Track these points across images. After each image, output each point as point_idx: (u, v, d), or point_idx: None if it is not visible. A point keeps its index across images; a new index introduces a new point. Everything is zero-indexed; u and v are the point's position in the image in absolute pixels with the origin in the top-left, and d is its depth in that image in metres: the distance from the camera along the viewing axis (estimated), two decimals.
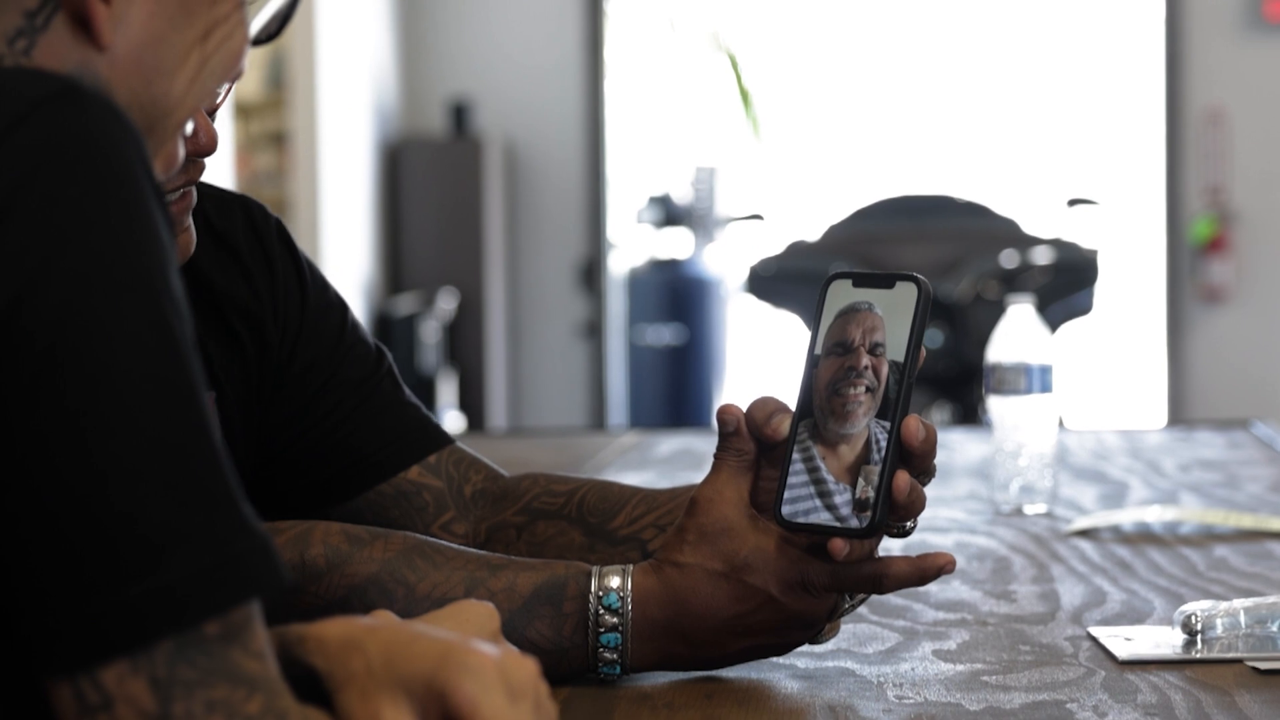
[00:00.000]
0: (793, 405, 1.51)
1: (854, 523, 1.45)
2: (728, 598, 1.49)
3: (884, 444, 1.45)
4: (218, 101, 1.56)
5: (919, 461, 1.47)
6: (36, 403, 0.93)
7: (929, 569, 1.51)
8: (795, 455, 1.48)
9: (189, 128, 1.50)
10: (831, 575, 1.49)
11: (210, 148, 1.53)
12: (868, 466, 1.46)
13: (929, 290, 1.48)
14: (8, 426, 0.93)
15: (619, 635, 1.49)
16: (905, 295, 1.49)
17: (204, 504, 0.96)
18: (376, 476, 1.77)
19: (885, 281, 1.50)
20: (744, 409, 1.53)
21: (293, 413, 1.76)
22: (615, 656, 1.49)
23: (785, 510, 1.47)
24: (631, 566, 1.51)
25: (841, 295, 1.51)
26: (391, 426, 1.79)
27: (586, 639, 1.49)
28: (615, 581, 1.50)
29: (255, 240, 1.75)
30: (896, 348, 1.47)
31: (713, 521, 1.50)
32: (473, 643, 1.07)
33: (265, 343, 1.74)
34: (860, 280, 1.51)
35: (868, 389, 1.47)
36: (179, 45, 1.09)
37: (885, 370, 1.47)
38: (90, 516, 0.93)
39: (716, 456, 1.53)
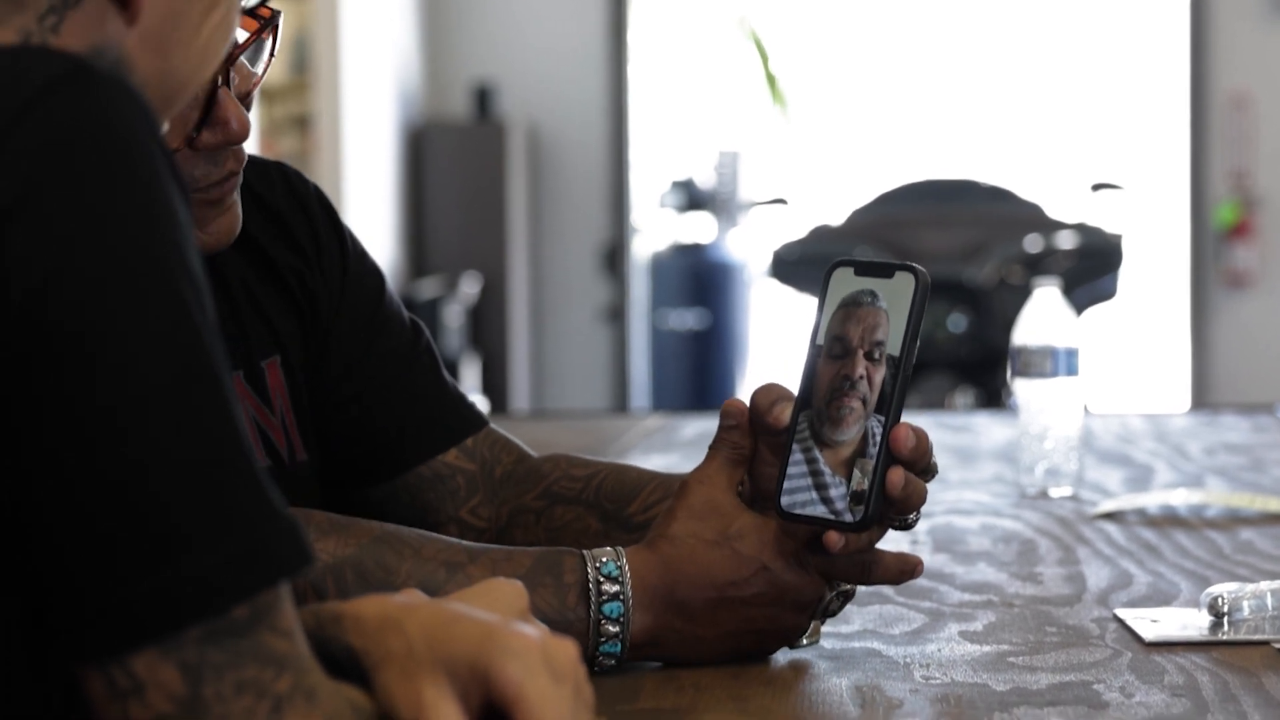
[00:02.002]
0: (796, 393, 1.50)
1: (849, 516, 1.45)
2: (721, 564, 1.50)
3: (878, 438, 1.46)
4: (250, 86, 1.56)
5: (913, 465, 1.47)
6: (62, 393, 0.93)
7: (908, 568, 1.53)
8: (795, 446, 1.48)
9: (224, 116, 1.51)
10: (823, 557, 1.49)
11: (243, 134, 1.53)
12: (863, 460, 1.46)
13: (927, 281, 1.48)
14: (35, 416, 0.93)
15: (621, 604, 1.48)
16: (903, 286, 1.48)
17: (230, 488, 0.96)
18: (415, 459, 1.77)
19: (885, 271, 1.50)
20: (748, 401, 1.53)
21: (332, 385, 1.75)
22: (617, 630, 1.48)
23: (784, 500, 1.47)
24: (622, 547, 1.52)
25: (844, 284, 1.50)
26: (431, 406, 1.78)
27: (589, 611, 1.48)
28: (609, 555, 1.50)
29: (297, 205, 1.74)
30: (893, 341, 1.47)
31: (701, 502, 1.51)
32: (514, 624, 1.07)
33: (316, 307, 1.74)
34: (862, 269, 1.50)
35: (862, 398, 1.47)
36: (194, 16, 1.09)
37: (881, 375, 1.47)
38: (117, 505, 0.93)
39: (711, 447, 1.54)
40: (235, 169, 1.56)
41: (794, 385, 1.51)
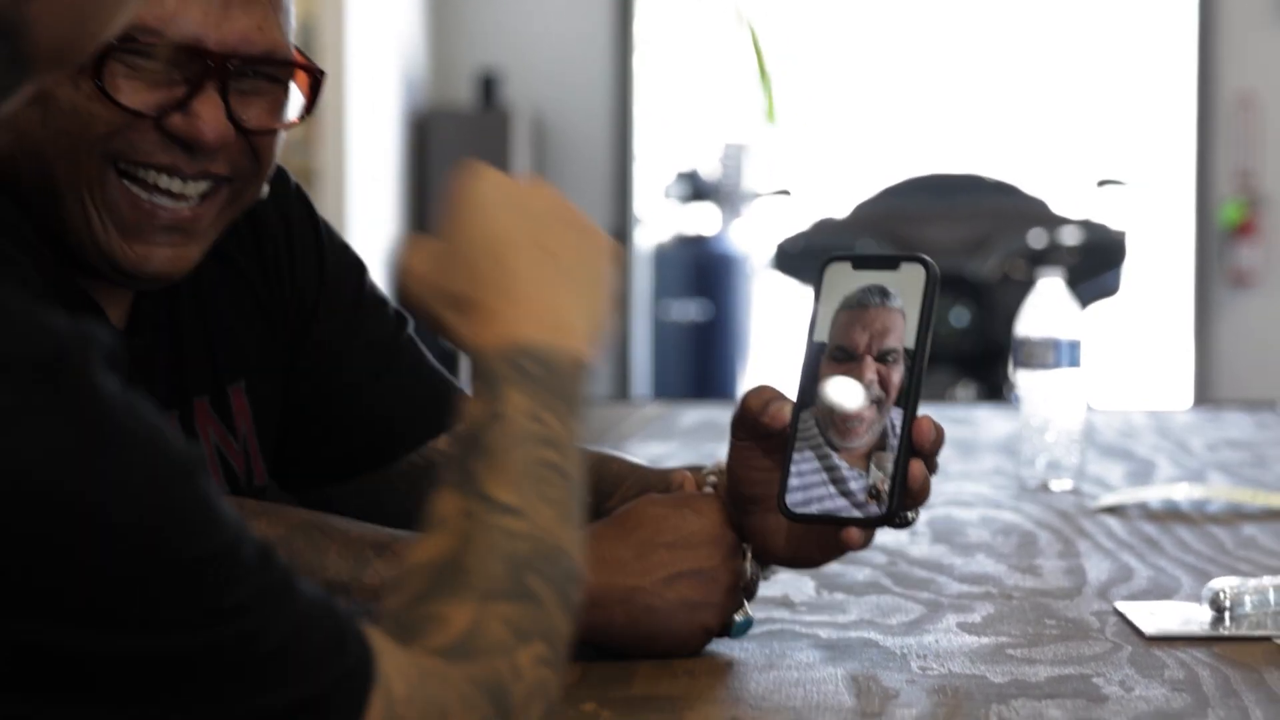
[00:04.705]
0: (791, 393, 1.47)
1: (872, 510, 1.42)
2: (635, 512, 1.51)
3: (898, 431, 1.43)
4: (260, 123, 1.54)
5: (929, 459, 1.46)
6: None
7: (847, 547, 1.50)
8: (800, 445, 1.45)
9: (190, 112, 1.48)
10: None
11: (209, 142, 1.50)
12: (881, 453, 1.43)
13: (937, 272, 1.44)
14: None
15: None
16: (912, 277, 1.44)
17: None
18: (407, 445, 1.76)
19: (889, 263, 1.45)
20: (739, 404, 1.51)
21: (317, 380, 1.74)
22: None
23: (792, 499, 1.44)
24: None
25: (844, 280, 1.46)
26: (418, 394, 1.77)
27: None
28: None
29: (274, 203, 1.73)
30: (906, 334, 1.44)
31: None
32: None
33: (287, 316, 1.73)
34: (861, 263, 1.46)
35: (873, 402, 1.44)
36: None
37: (896, 373, 1.44)
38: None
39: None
40: (178, 166, 1.51)
41: (792, 383, 1.48)
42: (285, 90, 1.56)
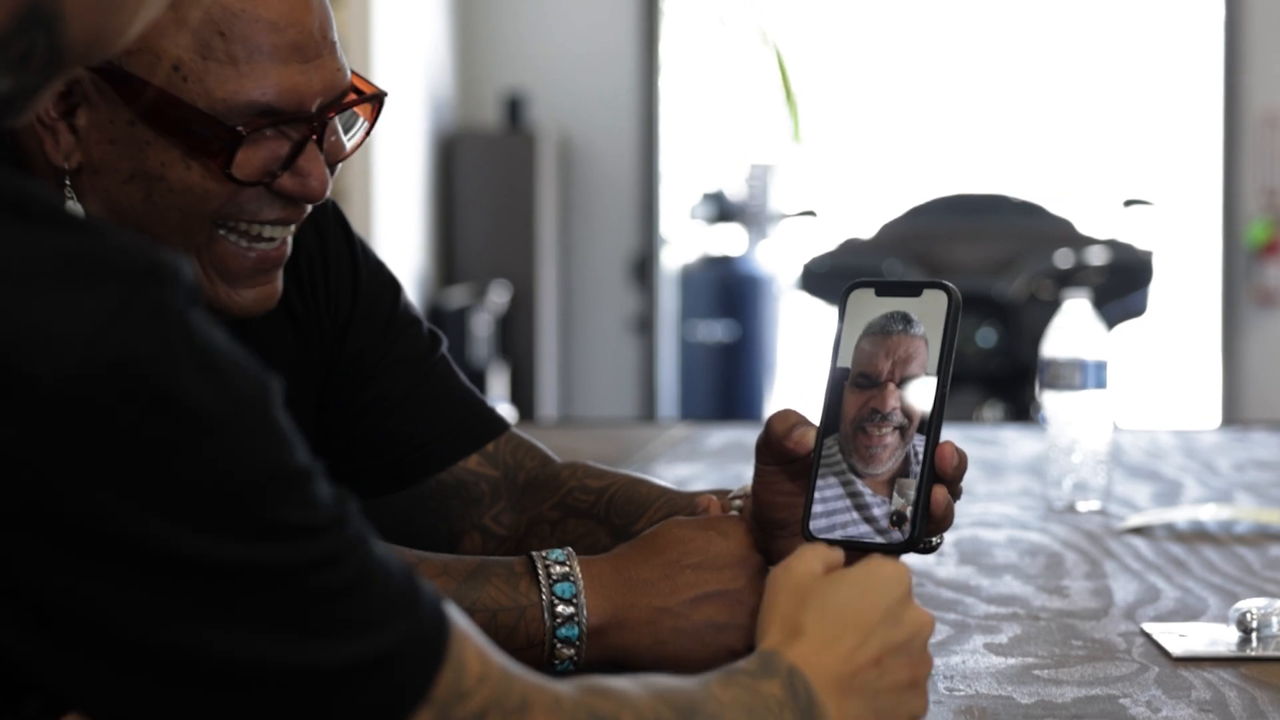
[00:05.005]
0: (815, 418, 1.48)
1: (896, 536, 1.43)
2: (663, 534, 1.52)
3: (921, 457, 1.43)
4: (339, 155, 1.56)
5: (952, 485, 1.46)
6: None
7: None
8: (825, 471, 1.45)
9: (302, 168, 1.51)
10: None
11: (319, 193, 1.54)
12: (903, 480, 1.43)
13: (959, 298, 1.44)
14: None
15: (571, 585, 1.49)
16: (934, 304, 1.45)
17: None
18: (437, 464, 1.77)
19: (912, 290, 1.46)
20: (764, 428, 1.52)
21: (349, 396, 1.75)
22: (572, 612, 1.48)
23: (816, 525, 1.44)
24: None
25: (866, 306, 1.47)
26: (449, 413, 1.78)
27: (541, 594, 1.48)
28: (557, 549, 1.52)
29: (310, 224, 1.74)
30: (930, 361, 1.44)
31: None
32: None
33: (322, 331, 1.74)
34: (884, 289, 1.46)
35: (896, 428, 1.44)
36: None
37: (919, 400, 1.44)
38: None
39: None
40: (292, 218, 1.56)
41: (816, 408, 1.49)
42: (357, 117, 1.59)
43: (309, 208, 1.57)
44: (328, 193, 1.55)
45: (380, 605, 0.97)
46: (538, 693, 1.04)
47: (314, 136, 1.52)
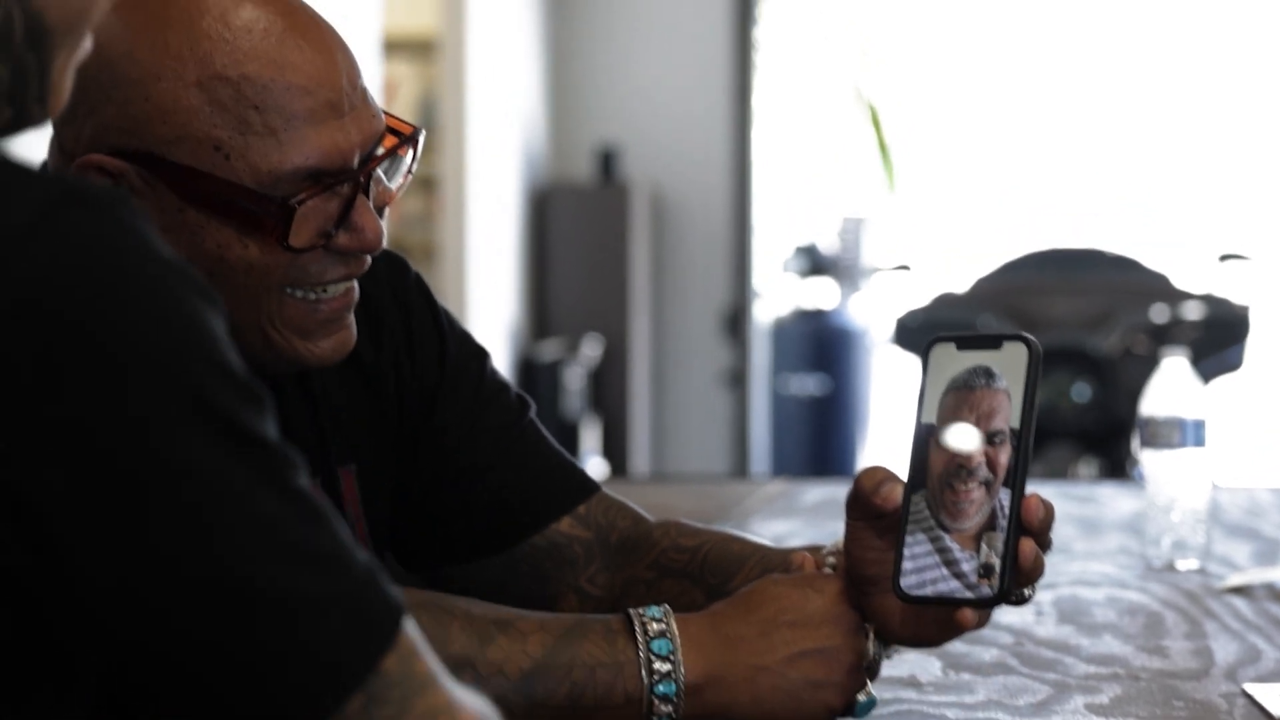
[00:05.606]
0: (903, 474, 1.48)
1: (985, 591, 1.43)
2: (761, 591, 1.52)
3: (1007, 511, 1.43)
4: (387, 199, 1.58)
5: (1039, 537, 1.46)
6: (121, 533, 0.92)
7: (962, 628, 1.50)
8: (913, 527, 1.45)
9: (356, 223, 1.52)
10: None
11: (376, 243, 1.55)
12: (991, 533, 1.43)
13: (1039, 350, 1.44)
14: (96, 556, 0.92)
15: (668, 641, 1.49)
16: (1015, 356, 1.45)
17: (319, 571, 0.97)
18: (530, 528, 1.77)
19: (992, 343, 1.46)
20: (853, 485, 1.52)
21: (438, 466, 1.76)
22: (669, 669, 1.48)
23: (906, 583, 1.44)
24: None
25: (948, 361, 1.47)
26: (540, 476, 1.78)
27: (638, 651, 1.48)
28: (654, 607, 1.52)
29: (394, 297, 1.76)
30: (1011, 414, 1.44)
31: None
32: None
33: (404, 402, 1.75)
34: (965, 343, 1.47)
35: (982, 483, 1.44)
36: None
37: (1004, 454, 1.44)
38: (229, 628, 0.94)
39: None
40: (355, 272, 1.57)
41: (903, 464, 1.49)
42: (399, 157, 1.60)
43: (369, 259, 1.58)
44: (384, 242, 1.56)
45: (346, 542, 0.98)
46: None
47: (362, 189, 1.54)
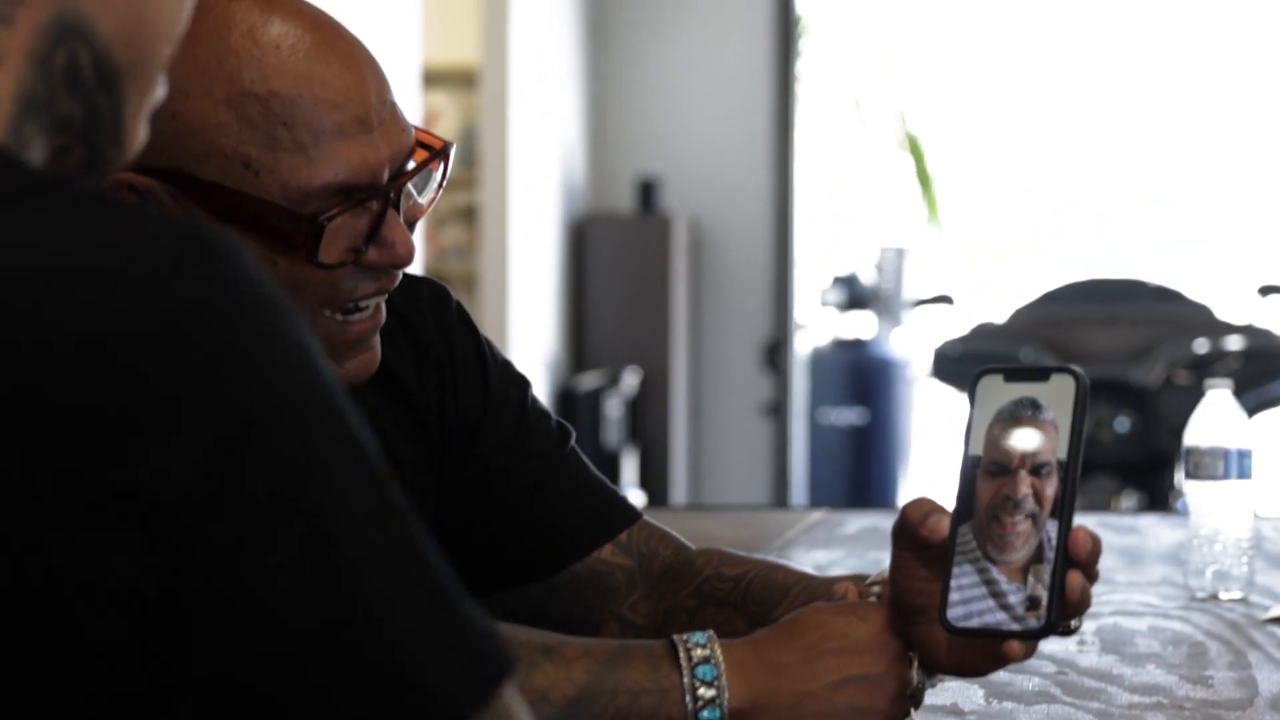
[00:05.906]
0: (949, 505, 1.48)
1: (1032, 623, 1.42)
2: (805, 619, 1.51)
3: (1054, 543, 1.43)
4: (417, 213, 1.58)
5: (1086, 569, 1.45)
6: (272, 550, 0.89)
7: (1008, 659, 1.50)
8: (961, 558, 1.45)
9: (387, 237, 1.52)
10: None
11: (407, 258, 1.55)
12: (1038, 565, 1.43)
13: (1086, 383, 1.44)
14: (239, 576, 0.88)
15: (713, 667, 1.48)
16: (1062, 389, 1.45)
17: (441, 613, 0.98)
18: (572, 556, 1.77)
19: (1039, 375, 1.46)
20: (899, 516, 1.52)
21: (480, 494, 1.76)
22: (714, 695, 1.47)
23: (953, 614, 1.44)
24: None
25: (996, 393, 1.47)
26: (582, 504, 1.79)
27: (682, 677, 1.48)
28: (698, 632, 1.51)
29: (437, 326, 1.76)
30: (1058, 446, 1.44)
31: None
32: None
33: (447, 429, 1.75)
34: (1013, 375, 1.47)
35: (1029, 515, 1.44)
36: None
37: (1051, 486, 1.44)
38: (351, 658, 0.91)
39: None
40: (386, 288, 1.58)
41: (949, 495, 1.49)
42: (430, 171, 1.60)
43: (400, 274, 1.58)
44: (414, 256, 1.56)
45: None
46: None
47: (392, 204, 1.54)
